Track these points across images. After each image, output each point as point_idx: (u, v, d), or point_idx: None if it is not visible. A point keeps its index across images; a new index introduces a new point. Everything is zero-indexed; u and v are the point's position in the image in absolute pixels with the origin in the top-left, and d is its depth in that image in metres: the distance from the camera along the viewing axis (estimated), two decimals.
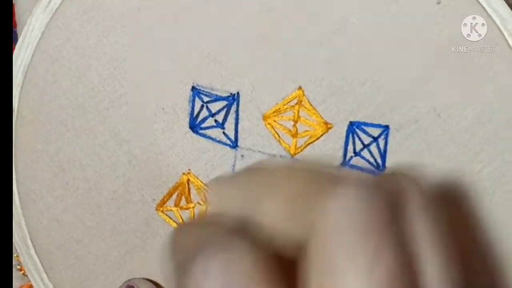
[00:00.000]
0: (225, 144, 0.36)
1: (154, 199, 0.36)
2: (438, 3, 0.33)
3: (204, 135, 0.36)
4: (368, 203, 0.19)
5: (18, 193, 0.37)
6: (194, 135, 0.36)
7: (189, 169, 0.36)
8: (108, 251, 0.37)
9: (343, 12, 0.34)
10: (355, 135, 0.35)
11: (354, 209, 0.18)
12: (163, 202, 0.36)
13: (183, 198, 0.36)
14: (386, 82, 0.34)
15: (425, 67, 0.34)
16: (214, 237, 0.19)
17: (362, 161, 0.35)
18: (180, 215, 0.37)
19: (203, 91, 0.35)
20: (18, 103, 0.36)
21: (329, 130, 0.35)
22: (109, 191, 0.36)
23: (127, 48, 0.35)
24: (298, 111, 0.35)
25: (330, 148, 0.35)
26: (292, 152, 0.35)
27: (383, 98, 0.34)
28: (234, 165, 0.36)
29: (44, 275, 0.37)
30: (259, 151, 0.35)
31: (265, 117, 0.35)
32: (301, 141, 0.35)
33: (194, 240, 0.20)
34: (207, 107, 0.35)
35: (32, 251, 0.37)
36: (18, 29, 0.40)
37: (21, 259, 0.37)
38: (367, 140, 0.35)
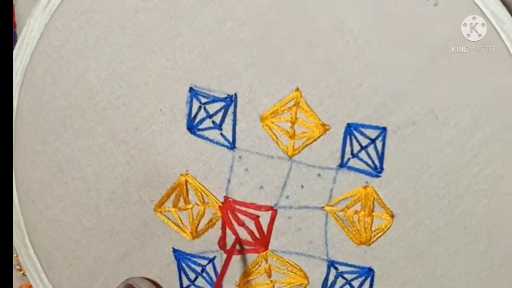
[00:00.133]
0: (223, 145, 0.36)
1: (152, 200, 0.36)
2: (435, 5, 0.33)
3: (201, 136, 0.36)
4: None
5: (17, 193, 0.37)
6: (192, 136, 0.36)
7: (187, 170, 0.36)
8: (107, 251, 0.37)
9: (341, 13, 0.34)
10: (352, 137, 0.35)
11: None
12: (161, 203, 0.36)
13: (181, 199, 0.36)
14: (384, 84, 0.34)
15: (422, 68, 0.34)
16: None
17: (360, 162, 0.35)
18: (178, 216, 0.37)
19: (201, 92, 0.35)
20: (17, 103, 0.36)
21: (327, 132, 0.35)
22: (107, 191, 0.36)
23: (125, 49, 0.35)
24: (296, 113, 0.35)
25: (328, 149, 0.35)
26: (289, 153, 0.35)
27: (381, 100, 0.34)
28: (231, 166, 0.36)
29: (43, 275, 0.37)
30: (256, 153, 0.35)
31: (262, 119, 0.35)
32: (298, 143, 0.35)
33: None
34: (204, 108, 0.35)
35: (31, 251, 0.37)
36: (17, 30, 0.40)
37: (20, 259, 0.37)
38: (364, 141, 0.35)
